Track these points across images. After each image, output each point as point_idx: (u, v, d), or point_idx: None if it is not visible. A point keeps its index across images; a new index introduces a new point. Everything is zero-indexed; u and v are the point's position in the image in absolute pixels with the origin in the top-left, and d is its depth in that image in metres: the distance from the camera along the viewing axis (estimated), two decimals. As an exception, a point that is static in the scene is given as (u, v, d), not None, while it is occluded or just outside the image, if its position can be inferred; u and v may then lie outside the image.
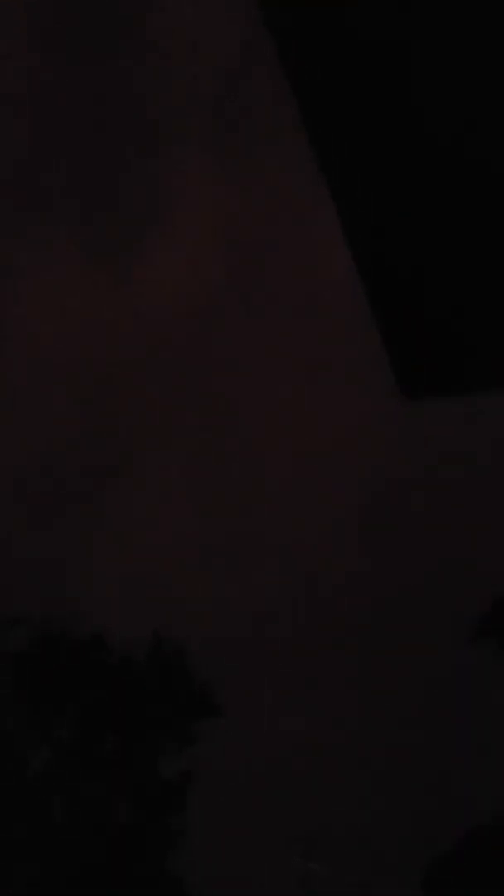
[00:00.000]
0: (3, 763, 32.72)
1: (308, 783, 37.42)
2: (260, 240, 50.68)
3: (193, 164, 48.75)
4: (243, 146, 47.13)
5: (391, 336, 2.55)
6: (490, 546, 37.34)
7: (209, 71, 51.24)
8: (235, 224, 50.58)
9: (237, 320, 49.85)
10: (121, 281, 49.10)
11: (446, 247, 2.46)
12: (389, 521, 43.54)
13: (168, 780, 33.22)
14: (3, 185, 45.89)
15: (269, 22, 2.07)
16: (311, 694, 40.22)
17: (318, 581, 42.80)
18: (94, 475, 45.56)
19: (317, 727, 38.90)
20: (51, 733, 33.30)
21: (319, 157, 2.24)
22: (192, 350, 49.36)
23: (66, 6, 44.58)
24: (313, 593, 42.85)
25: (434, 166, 2.32)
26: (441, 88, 2.20)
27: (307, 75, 2.16)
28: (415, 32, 2.10)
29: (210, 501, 47.17)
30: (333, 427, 47.87)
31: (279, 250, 50.93)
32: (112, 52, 48.22)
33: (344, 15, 2.07)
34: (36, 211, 46.37)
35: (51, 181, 47.24)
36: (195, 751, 33.40)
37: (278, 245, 51.43)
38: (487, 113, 2.22)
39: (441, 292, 2.54)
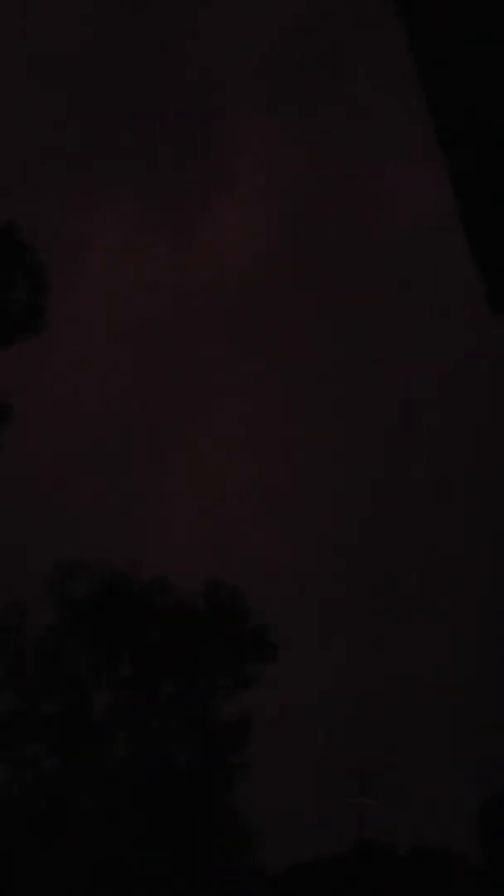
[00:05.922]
0: (70, 703, 33.42)
1: (363, 720, 38.12)
2: (318, 197, 50.91)
3: (253, 124, 48.98)
4: (302, 106, 47.20)
5: (481, 253, 2.98)
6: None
7: (268, 31, 51.24)
8: (294, 182, 50.82)
9: (296, 275, 50.28)
10: (183, 240, 49.58)
11: None
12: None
13: (228, 719, 33.73)
14: (66, 149, 46.32)
15: None
16: (366, 635, 40.88)
17: (371, 529, 43.35)
18: (158, 428, 46.26)
19: (372, 668, 39.60)
20: (115, 675, 33.89)
21: (423, 80, 2.58)
22: (253, 306, 49.89)
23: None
24: (368, 540, 43.42)
25: None
26: None
27: None
28: None
29: (268, 453, 47.77)
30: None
31: (338, 207, 51.14)
32: (171, 11, 48.29)
33: None
34: (100, 174, 46.77)
35: (113, 144, 47.63)
36: (253, 691, 33.89)
37: (337, 201, 51.63)
38: None
39: None
